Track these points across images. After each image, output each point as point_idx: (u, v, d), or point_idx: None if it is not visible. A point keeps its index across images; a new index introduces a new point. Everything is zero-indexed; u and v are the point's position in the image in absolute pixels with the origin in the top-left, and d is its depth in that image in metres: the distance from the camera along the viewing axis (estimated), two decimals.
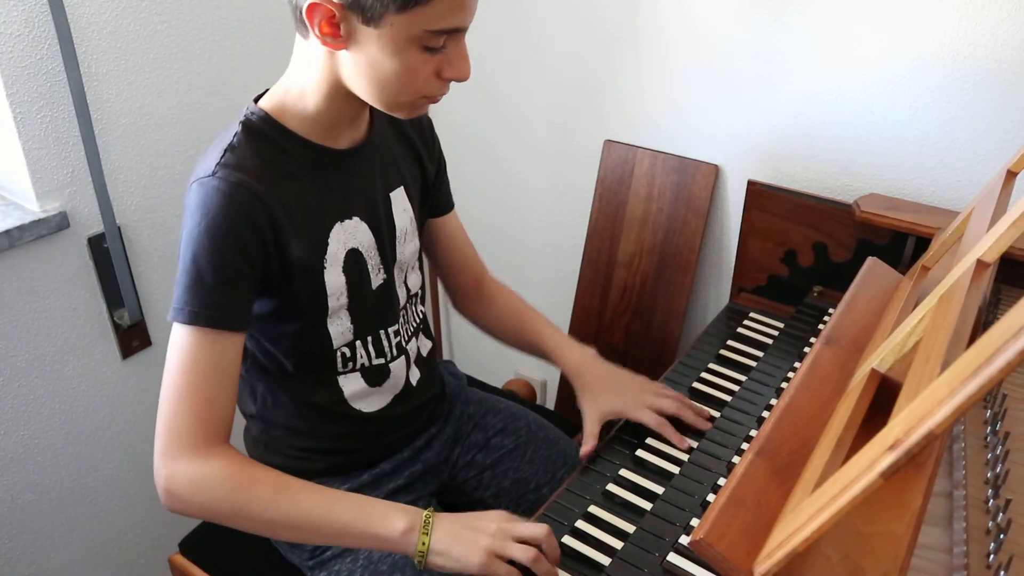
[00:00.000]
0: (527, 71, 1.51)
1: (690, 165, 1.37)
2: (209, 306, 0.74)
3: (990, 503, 0.63)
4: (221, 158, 0.76)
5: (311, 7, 0.70)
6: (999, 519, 0.60)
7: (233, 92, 1.37)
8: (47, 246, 1.18)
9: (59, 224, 1.16)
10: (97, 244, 1.23)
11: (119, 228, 1.25)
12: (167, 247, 1.35)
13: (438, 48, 0.73)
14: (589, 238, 1.52)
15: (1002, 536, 0.58)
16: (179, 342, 0.75)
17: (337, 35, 0.72)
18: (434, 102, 0.79)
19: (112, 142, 1.22)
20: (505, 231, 1.69)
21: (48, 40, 1.09)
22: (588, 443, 0.91)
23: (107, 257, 1.25)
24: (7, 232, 1.10)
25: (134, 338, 1.34)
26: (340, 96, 0.79)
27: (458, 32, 0.74)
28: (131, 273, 1.29)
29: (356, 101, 0.80)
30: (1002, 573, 0.55)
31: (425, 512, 0.75)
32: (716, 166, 1.35)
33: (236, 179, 0.74)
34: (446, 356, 1.94)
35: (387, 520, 0.73)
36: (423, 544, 0.72)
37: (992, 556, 0.57)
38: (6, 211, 1.14)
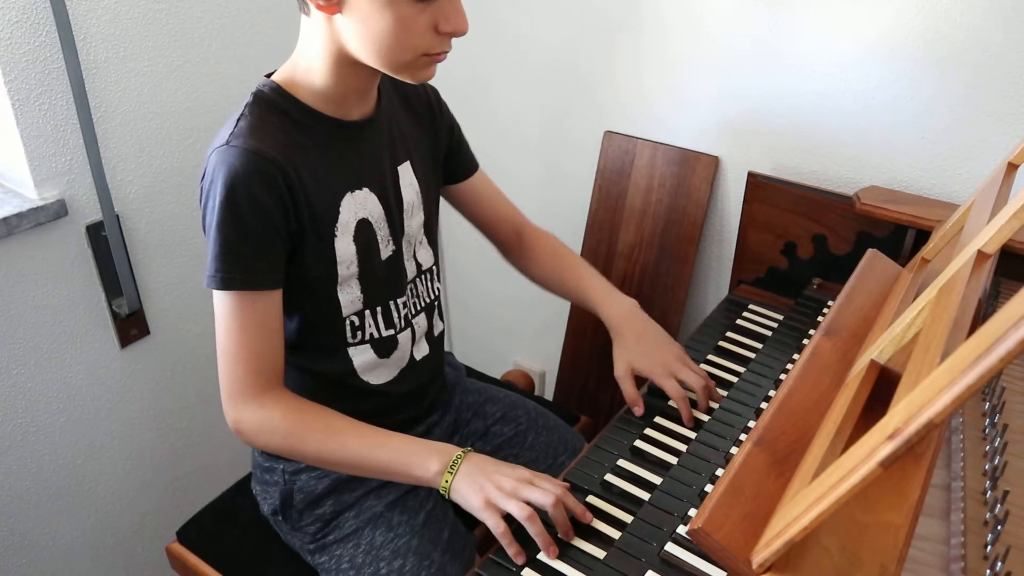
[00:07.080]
0: (526, 62, 1.50)
1: (690, 156, 1.36)
2: (240, 270, 0.78)
3: (988, 495, 0.63)
4: (235, 127, 0.78)
5: None
6: (997, 511, 0.60)
7: (233, 80, 1.36)
8: (45, 234, 1.17)
9: (57, 212, 1.16)
10: (95, 232, 1.23)
11: (117, 216, 1.25)
12: (166, 235, 1.34)
13: None
14: (589, 229, 1.52)
15: (999, 527, 0.58)
16: (220, 306, 0.80)
17: None
18: (438, 60, 0.80)
19: (111, 130, 1.21)
20: None
21: (46, 27, 1.09)
22: (638, 405, 0.95)
23: (105, 245, 1.25)
24: (5, 220, 1.09)
25: (132, 327, 1.34)
26: (346, 67, 0.81)
27: None
28: (129, 261, 1.29)
29: (362, 72, 0.81)
30: (999, 564, 0.55)
31: (457, 453, 0.81)
32: (716, 158, 1.34)
33: (250, 145, 0.76)
34: (445, 348, 1.94)
35: (424, 462, 0.81)
36: (446, 482, 0.80)
37: (989, 547, 0.57)
38: (4, 199, 1.14)
